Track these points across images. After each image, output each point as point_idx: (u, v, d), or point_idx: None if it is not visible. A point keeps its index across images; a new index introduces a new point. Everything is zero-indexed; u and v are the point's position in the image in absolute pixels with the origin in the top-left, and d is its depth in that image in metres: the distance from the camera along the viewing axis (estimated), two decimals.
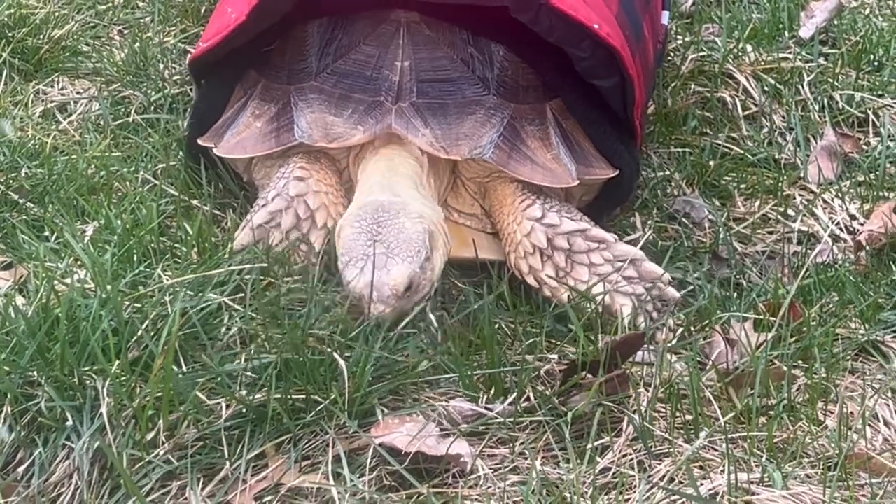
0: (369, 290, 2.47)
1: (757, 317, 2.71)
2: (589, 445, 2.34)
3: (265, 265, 2.56)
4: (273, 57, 2.91)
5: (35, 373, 2.35)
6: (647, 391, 2.46)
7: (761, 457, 2.33)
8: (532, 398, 2.45)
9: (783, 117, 3.47)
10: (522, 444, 2.38)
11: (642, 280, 2.70)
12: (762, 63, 3.56)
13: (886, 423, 2.50)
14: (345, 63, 2.83)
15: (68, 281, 2.49)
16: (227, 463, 2.29)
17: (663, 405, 2.45)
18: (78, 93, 3.48)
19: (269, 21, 2.80)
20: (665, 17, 3.36)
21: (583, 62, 2.77)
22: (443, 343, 2.55)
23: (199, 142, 2.92)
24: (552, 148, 2.81)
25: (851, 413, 2.47)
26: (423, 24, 2.83)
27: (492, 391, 2.47)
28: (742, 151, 3.34)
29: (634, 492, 2.25)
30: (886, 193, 3.20)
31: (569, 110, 2.88)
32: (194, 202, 2.93)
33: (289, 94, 2.83)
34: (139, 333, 2.38)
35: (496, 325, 2.64)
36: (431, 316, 2.57)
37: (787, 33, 3.73)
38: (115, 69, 3.53)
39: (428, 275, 2.55)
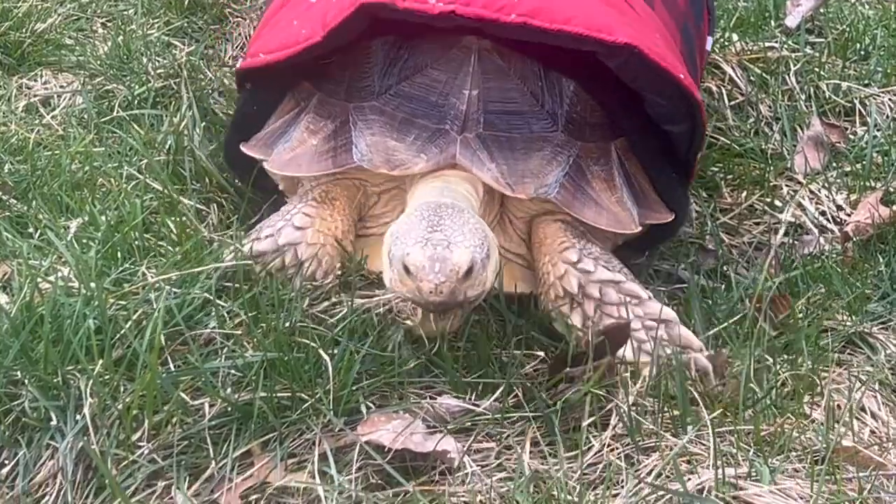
0: (430, 263, 2.36)
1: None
2: (583, 425, 2.33)
3: (250, 262, 2.55)
4: (331, 70, 2.78)
5: (19, 372, 2.34)
6: (635, 384, 2.45)
7: (748, 451, 2.32)
8: (520, 394, 2.44)
9: (769, 107, 3.46)
10: (508, 437, 2.37)
11: (671, 343, 2.53)
12: (748, 52, 3.55)
13: (874, 416, 2.50)
14: (409, 86, 2.70)
15: (52, 279, 2.48)
16: (213, 462, 2.28)
17: (650, 399, 2.45)
18: (61, 86, 3.46)
19: (342, 41, 2.68)
20: (709, 42, 3.26)
21: (659, 108, 2.68)
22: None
23: (247, 151, 2.80)
24: (616, 190, 2.70)
25: (838, 406, 2.47)
26: (495, 53, 2.70)
27: (479, 387, 2.46)
28: (729, 142, 3.33)
29: (622, 487, 2.24)
30: (873, 183, 3.19)
31: (632, 150, 2.77)
32: (179, 198, 2.91)
33: (347, 112, 2.71)
34: (123, 332, 2.37)
35: (486, 324, 2.62)
36: None
37: (773, 22, 3.72)
38: (98, 63, 3.51)
39: (483, 275, 2.43)
